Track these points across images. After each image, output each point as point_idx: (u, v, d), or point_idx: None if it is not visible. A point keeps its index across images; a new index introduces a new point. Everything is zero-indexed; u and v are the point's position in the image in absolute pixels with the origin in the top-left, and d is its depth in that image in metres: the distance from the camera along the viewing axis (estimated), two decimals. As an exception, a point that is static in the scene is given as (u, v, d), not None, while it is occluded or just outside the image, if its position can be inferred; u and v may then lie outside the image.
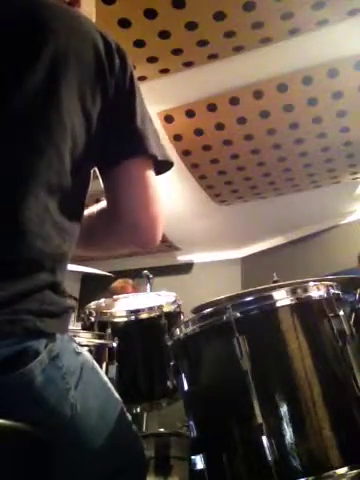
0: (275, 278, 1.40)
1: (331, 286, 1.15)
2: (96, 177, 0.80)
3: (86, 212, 0.85)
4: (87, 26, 0.75)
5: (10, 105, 0.65)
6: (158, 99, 2.37)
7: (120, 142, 0.75)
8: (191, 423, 1.16)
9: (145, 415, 1.98)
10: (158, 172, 0.79)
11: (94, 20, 0.91)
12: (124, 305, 1.84)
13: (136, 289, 2.85)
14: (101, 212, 0.84)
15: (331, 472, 0.92)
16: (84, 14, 0.85)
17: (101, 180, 0.80)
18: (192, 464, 1.09)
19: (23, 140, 0.65)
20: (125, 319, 1.63)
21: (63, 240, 0.68)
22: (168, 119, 2.53)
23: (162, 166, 0.80)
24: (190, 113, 2.49)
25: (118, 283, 2.94)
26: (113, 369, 1.46)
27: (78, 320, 1.85)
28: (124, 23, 1.79)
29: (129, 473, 0.77)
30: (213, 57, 2.09)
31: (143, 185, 0.77)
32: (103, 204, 0.83)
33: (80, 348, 0.74)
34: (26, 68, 0.67)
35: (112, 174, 0.77)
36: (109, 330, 1.55)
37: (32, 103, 0.66)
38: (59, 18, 0.72)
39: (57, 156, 0.66)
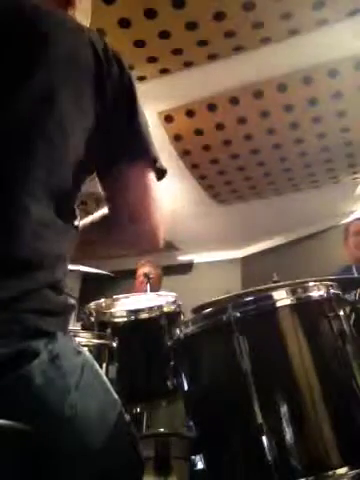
0: (275, 278, 1.40)
1: (331, 286, 1.15)
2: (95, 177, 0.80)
3: (89, 219, 0.86)
4: (84, 32, 0.76)
5: (9, 109, 0.65)
6: (158, 99, 2.37)
7: (122, 145, 0.76)
8: (191, 423, 1.16)
9: (145, 415, 1.98)
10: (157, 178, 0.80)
11: (89, 19, 0.92)
12: (124, 305, 1.84)
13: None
14: (103, 218, 0.84)
15: (331, 472, 0.92)
16: (81, 12, 0.87)
17: (102, 186, 0.80)
18: (192, 464, 1.09)
19: (22, 143, 0.65)
20: (125, 319, 1.63)
21: (62, 240, 0.68)
22: (168, 119, 2.53)
23: (158, 173, 0.81)
24: (190, 113, 2.49)
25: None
26: (113, 369, 1.45)
27: (78, 320, 1.85)
28: (124, 23, 1.79)
29: (127, 474, 0.77)
30: (213, 57, 2.09)
31: (146, 190, 0.77)
32: (105, 210, 0.83)
33: (81, 348, 0.74)
34: (25, 73, 0.67)
35: (114, 179, 0.77)
36: (109, 330, 1.55)
37: (31, 108, 0.66)
38: (57, 24, 0.74)
39: (56, 158, 0.67)
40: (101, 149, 0.76)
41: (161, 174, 0.81)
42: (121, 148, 0.76)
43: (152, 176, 0.78)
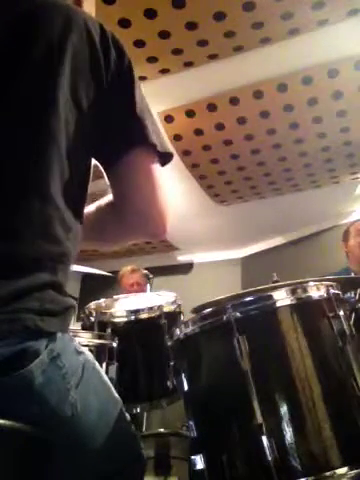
0: (275, 278, 1.40)
1: (331, 286, 1.15)
2: (96, 177, 0.79)
3: (94, 205, 0.85)
4: (83, 17, 0.74)
5: (6, 101, 0.64)
6: (158, 99, 2.37)
7: (119, 133, 0.74)
8: (191, 423, 1.16)
9: (145, 415, 1.98)
10: (161, 163, 0.78)
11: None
12: (124, 305, 1.84)
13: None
14: (109, 205, 0.83)
15: (331, 472, 0.92)
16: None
17: (105, 175, 0.79)
18: (192, 464, 1.09)
19: (24, 136, 0.64)
20: (125, 319, 1.63)
21: (67, 239, 0.67)
22: (168, 119, 2.53)
23: (163, 157, 0.78)
24: (190, 113, 2.49)
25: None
26: (113, 369, 1.46)
27: (78, 320, 1.85)
28: (124, 23, 1.79)
29: (127, 473, 0.77)
30: (213, 57, 2.09)
31: (148, 176, 0.75)
32: (110, 197, 0.82)
33: (81, 347, 0.73)
34: (20, 61, 0.66)
35: (115, 167, 0.76)
36: (109, 330, 1.55)
37: (29, 98, 0.65)
38: (54, 9, 0.71)
39: (57, 152, 0.65)
40: (101, 139, 0.74)
41: (166, 158, 0.79)
42: (120, 136, 0.74)
43: (154, 162, 0.76)
